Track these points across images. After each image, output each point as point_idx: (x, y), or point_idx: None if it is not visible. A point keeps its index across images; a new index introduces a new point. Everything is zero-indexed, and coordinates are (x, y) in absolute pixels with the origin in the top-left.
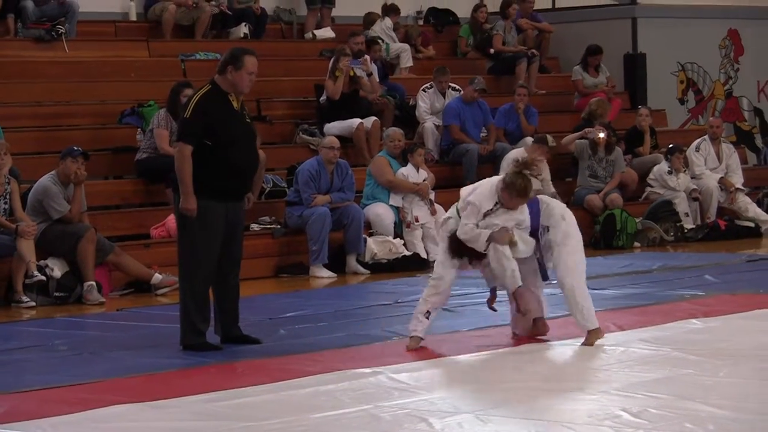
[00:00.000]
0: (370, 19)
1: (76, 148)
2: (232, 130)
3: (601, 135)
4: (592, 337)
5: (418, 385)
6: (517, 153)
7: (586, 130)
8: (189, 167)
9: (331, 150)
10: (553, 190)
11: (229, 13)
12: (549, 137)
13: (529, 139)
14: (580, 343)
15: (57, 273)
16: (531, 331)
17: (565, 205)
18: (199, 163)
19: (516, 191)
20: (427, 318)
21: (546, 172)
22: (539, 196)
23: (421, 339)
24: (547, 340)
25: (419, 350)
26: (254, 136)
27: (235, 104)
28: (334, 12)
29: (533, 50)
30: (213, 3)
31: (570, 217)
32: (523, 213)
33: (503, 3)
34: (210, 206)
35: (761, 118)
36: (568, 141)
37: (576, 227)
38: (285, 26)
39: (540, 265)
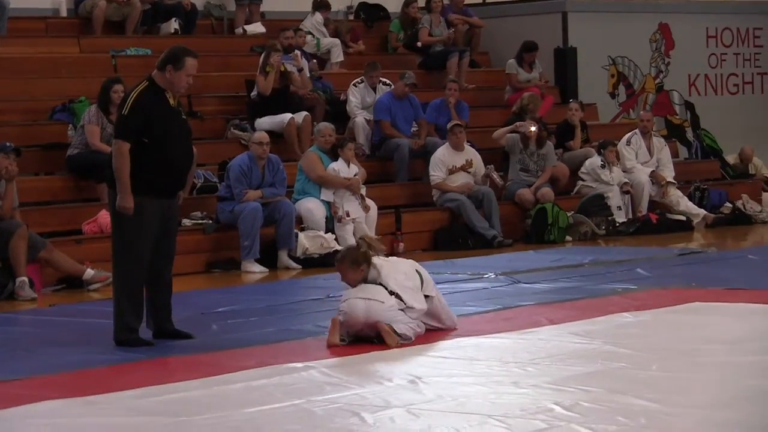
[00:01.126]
0: None
1: (8, 144)
2: (169, 127)
3: (532, 128)
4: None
5: (350, 380)
6: (444, 149)
7: (518, 123)
8: (127, 165)
9: (260, 145)
10: (484, 181)
11: None
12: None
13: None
14: (509, 337)
15: None
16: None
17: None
18: (136, 160)
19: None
20: None
21: (477, 161)
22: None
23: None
24: (477, 335)
25: (351, 345)
26: (189, 132)
27: (171, 101)
28: (265, 7)
29: (463, 47)
30: None
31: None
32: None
33: None
34: (145, 203)
35: (692, 111)
36: (499, 135)
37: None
38: (215, 22)
39: None
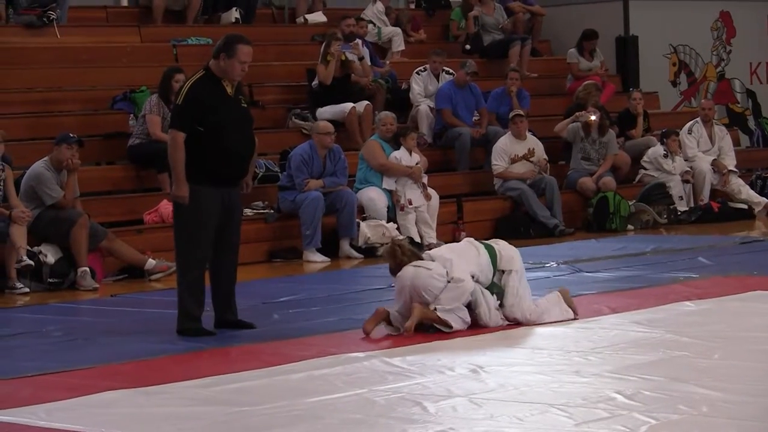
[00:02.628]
0: None
1: (71, 135)
2: (223, 116)
3: (592, 117)
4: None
5: (411, 369)
6: (506, 138)
7: (578, 113)
8: (181, 155)
9: (328, 136)
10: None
11: None
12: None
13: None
14: (570, 326)
15: (51, 259)
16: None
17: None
18: (193, 149)
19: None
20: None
21: (539, 150)
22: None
23: None
24: (539, 324)
25: (412, 334)
26: (249, 121)
27: (228, 90)
28: None
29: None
30: None
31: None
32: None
33: None
34: (203, 191)
35: (754, 100)
36: (560, 128)
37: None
38: (276, 11)
39: None
